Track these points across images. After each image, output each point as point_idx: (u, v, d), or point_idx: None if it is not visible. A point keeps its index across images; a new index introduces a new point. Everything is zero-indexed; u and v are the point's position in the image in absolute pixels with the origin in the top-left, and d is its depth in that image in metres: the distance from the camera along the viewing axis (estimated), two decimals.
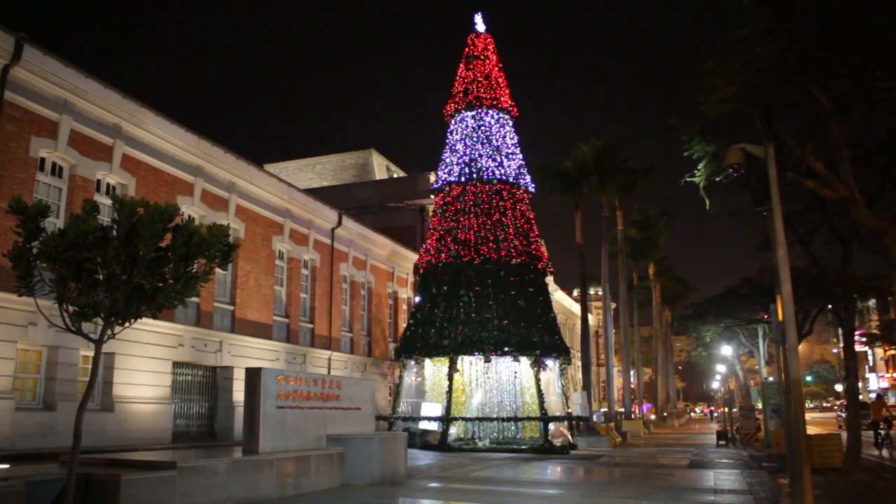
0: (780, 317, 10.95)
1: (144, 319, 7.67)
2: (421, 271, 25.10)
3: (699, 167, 14.46)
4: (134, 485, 7.98)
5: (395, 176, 43.98)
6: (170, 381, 17.97)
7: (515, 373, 23.59)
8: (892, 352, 66.47)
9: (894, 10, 10.58)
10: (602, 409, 44.14)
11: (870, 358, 71.25)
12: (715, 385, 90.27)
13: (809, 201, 15.76)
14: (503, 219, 23.98)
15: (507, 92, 26.23)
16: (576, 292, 62.39)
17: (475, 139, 25.10)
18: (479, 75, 25.88)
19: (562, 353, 23.62)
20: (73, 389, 15.01)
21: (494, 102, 25.49)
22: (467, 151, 24.98)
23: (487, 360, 22.87)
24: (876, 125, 14.09)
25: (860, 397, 21.79)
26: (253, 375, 10.76)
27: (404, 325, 27.11)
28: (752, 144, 10.90)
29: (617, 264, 42.06)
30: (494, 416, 22.98)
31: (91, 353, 13.14)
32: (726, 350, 51.53)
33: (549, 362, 23.74)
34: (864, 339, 56.66)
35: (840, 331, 20.33)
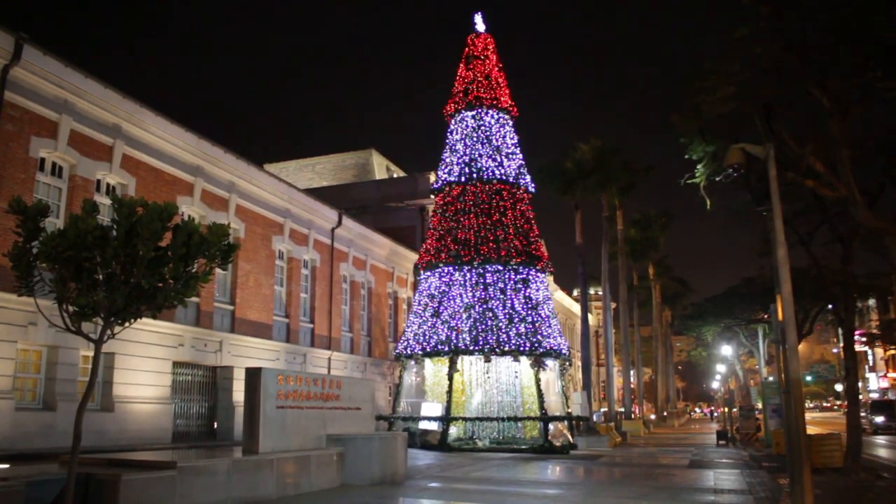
0: (780, 317, 10.95)
1: (144, 319, 7.67)
2: (421, 271, 25.09)
3: (699, 167, 14.46)
4: (134, 485, 7.98)
5: (395, 176, 43.97)
6: (170, 381, 17.97)
7: (515, 373, 23.59)
8: (892, 352, 66.45)
9: (894, 10, 10.59)
10: (602, 409, 44.15)
11: (870, 358, 71.22)
12: (715, 385, 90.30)
13: (809, 201, 15.76)
14: (503, 219, 23.97)
15: (507, 92, 26.23)
16: (576, 292, 62.41)
17: (475, 139, 25.09)
18: (479, 75, 25.87)
19: (562, 353, 23.61)
20: (73, 389, 15.01)
21: (494, 102, 25.48)
22: (467, 151, 24.97)
23: (487, 360, 22.86)
24: (876, 125, 14.09)
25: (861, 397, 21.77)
26: (253, 375, 10.77)
27: (404, 325, 27.10)
28: (752, 144, 10.90)
29: (617, 264, 42.05)
30: (494, 416, 22.97)
31: (91, 353, 13.14)
32: (726, 350, 51.59)
33: (549, 362, 23.73)
34: (864, 339, 56.71)
35: (840, 331, 20.34)
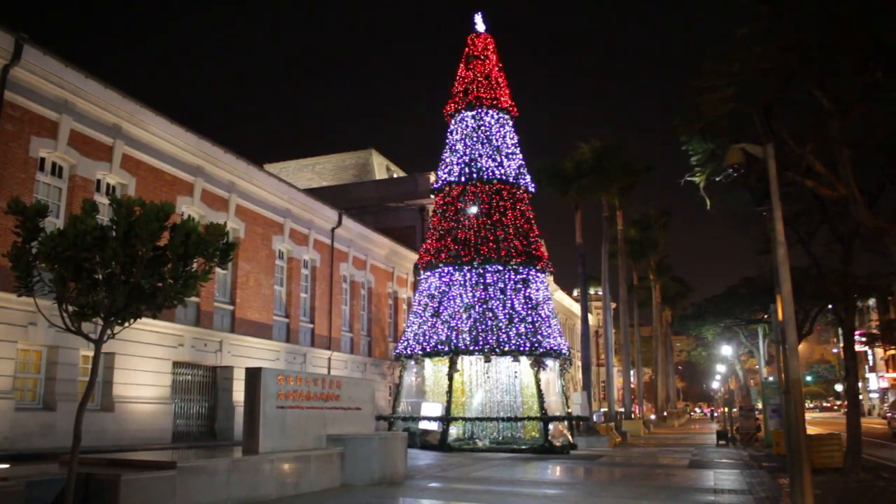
0: (780, 317, 10.95)
1: (144, 319, 7.67)
2: (421, 271, 25.09)
3: (699, 167, 14.46)
4: (134, 485, 7.98)
5: (395, 176, 43.96)
6: (170, 381, 17.97)
7: (515, 373, 23.58)
8: (892, 352, 66.44)
9: (894, 10, 10.59)
10: (602, 409, 44.14)
11: (870, 358, 71.23)
12: (715, 385, 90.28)
13: (809, 201, 15.76)
14: (503, 219, 23.97)
15: (507, 92, 26.23)
16: (576, 292, 62.41)
17: (475, 139, 25.09)
18: (479, 75, 25.87)
19: (562, 353, 23.61)
20: (73, 389, 15.01)
21: (494, 102, 25.48)
22: (467, 151, 24.97)
23: (487, 360, 22.86)
24: (876, 125, 14.09)
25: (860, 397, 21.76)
26: (253, 375, 10.76)
27: (404, 325, 27.10)
28: (752, 144, 10.90)
29: (617, 264, 42.05)
30: (494, 416, 22.97)
31: (91, 353, 13.14)
32: (726, 350, 51.58)
33: (549, 362, 23.73)
34: (864, 339, 56.68)
35: (840, 331, 20.33)
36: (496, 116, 25.48)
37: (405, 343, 24.08)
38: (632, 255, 48.23)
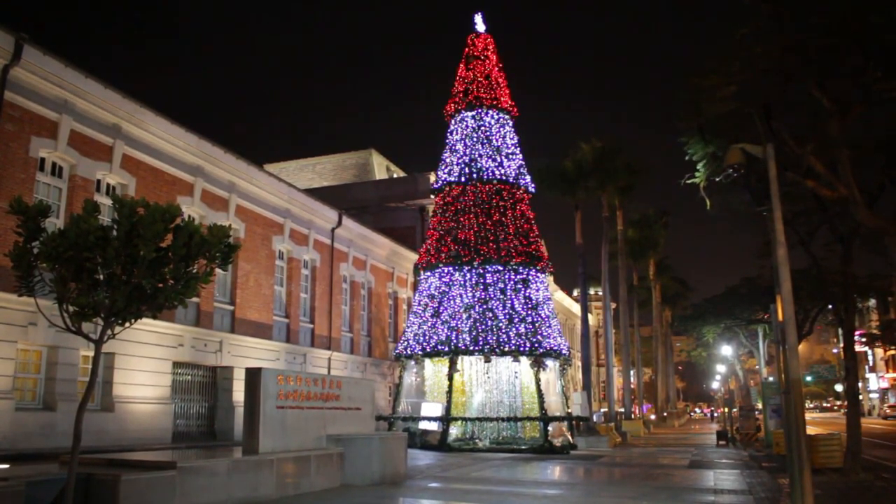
0: (780, 317, 10.94)
1: (144, 319, 7.67)
2: (421, 271, 25.09)
3: (699, 167, 14.45)
4: (134, 485, 7.99)
5: (395, 176, 43.97)
6: (170, 381, 17.97)
7: (515, 373, 23.58)
8: (892, 352, 66.47)
9: (894, 10, 10.59)
10: (602, 410, 44.13)
11: (870, 358, 71.27)
12: (715, 385, 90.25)
13: (809, 202, 15.75)
14: (503, 219, 23.97)
15: (507, 92, 26.23)
16: (576, 292, 62.41)
17: (475, 139, 25.09)
18: (479, 75, 25.87)
19: (562, 353, 23.61)
20: (73, 389, 15.01)
21: (494, 102, 25.49)
22: (467, 151, 24.97)
23: (487, 360, 22.86)
24: (876, 125, 14.10)
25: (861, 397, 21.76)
26: (253, 375, 10.77)
27: (404, 326, 27.10)
28: (752, 144, 10.89)
29: (617, 264, 42.05)
30: (494, 416, 22.97)
31: (91, 353, 13.14)
32: (726, 350, 51.57)
33: (549, 362, 23.73)
34: (864, 339, 56.69)
35: (840, 331, 20.33)
36: (496, 116, 25.48)
37: (405, 343, 24.08)
38: (632, 256, 48.23)
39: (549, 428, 22.12)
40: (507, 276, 23.30)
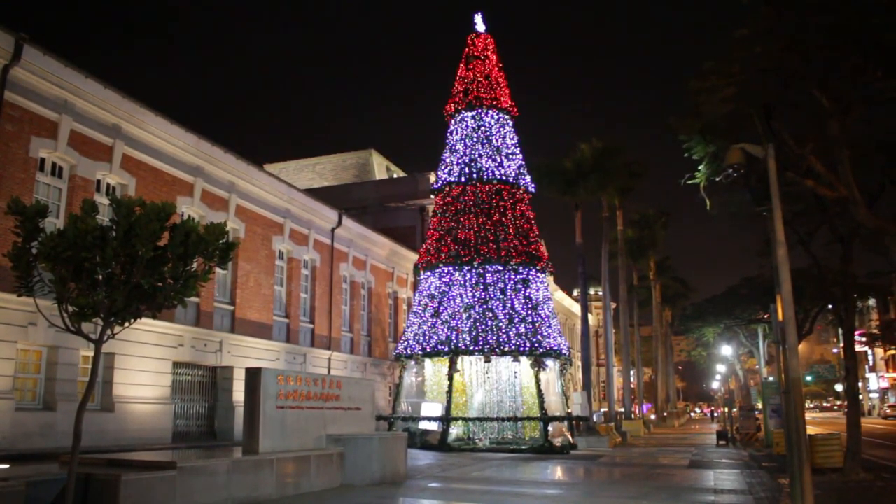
0: (780, 317, 10.95)
1: (144, 319, 7.67)
2: (421, 271, 25.10)
3: (700, 168, 14.44)
4: (134, 485, 7.99)
5: (395, 176, 43.96)
6: (170, 381, 17.97)
7: (515, 373, 23.58)
8: (892, 352, 66.46)
9: (894, 11, 10.59)
10: (602, 409, 44.12)
11: (870, 358, 71.26)
12: (715, 385, 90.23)
13: (809, 201, 15.74)
14: (503, 219, 23.97)
15: (507, 92, 26.23)
16: (576, 292, 62.38)
17: (475, 139, 25.09)
18: (479, 75, 25.88)
19: (562, 353, 23.61)
20: (73, 389, 15.01)
21: (494, 102, 25.49)
22: (467, 151, 24.98)
23: (487, 360, 22.87)
24: (876, 125, 14.08)
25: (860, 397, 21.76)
26: (253, 375, 10.77)
27: (404, 325, 27.10)
28: (752, 144, 10.89)
29: (617, 264, 42.04)
30: (494, 416, 22.98)
31: (91, 353, 13.14)
32: (726, 350, 51.55)
33: (549, 362, 23.74)
34: (864, 339, 56.69)
35: (840, 331, 20.33)
36: (496, 116, 25.48)
37: (405, 343, 24.08)
38: (632, 255, 48.22)
39: (549, 428, 22.12)
40: (507, 276, 23.30)
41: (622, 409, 40.33)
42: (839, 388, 77.62)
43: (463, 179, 24.58)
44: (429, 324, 23.37)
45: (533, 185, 25.81)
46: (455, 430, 22.80)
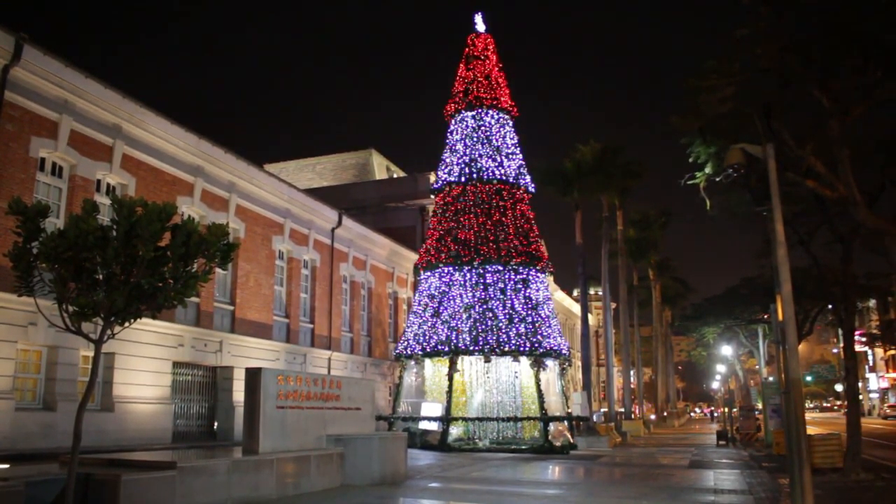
0: (780, 317, 10.94)
1: (144, 319, 7.67)
2: (421, 271, 25.10)
3: (702, 170, 14.44)
4: (134, 485, 7.99)
5: (395, 176, 43.97)
6: (170, 381, 17.97)
7: (515, 373, 23.58)
8: (893, 352, 66.47)
9: (893, 12, 10.59)
10: (602, 409, 44.12)
11: (870, 358, 71.26)
12: (715, 385, 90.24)
13: (810, 202, 15.75)
14: (503, 219, 23.97)
15: (507, 92, 26.23)
16: (576, 292, 62.39)
17: (475, 139, 25.09)
18: (479, 75, 25.87)
19: (562, 353, 23.61)
20: (73, 389, 15.01)
21: (494, 102, 25.48)
22: (467, 151, 24.97)
23: (487, 360, 22.86)
24: (876, 125, 14.10)
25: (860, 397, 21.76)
26: (253, 375, 10.77)
27: (404, 326, 27.10)
28: (752, 144, 10.89)
29: (617, 264, 42.05)
30: (494, 416, 22.98)
31: (91, 353, 13.14)
32: (726, 350, 51.54)
33: (549, 362, 23.73)
34: (864, 339, 56.70)
35: (840, 331, 20.33)
36: (496, 116, 25.48)
37: (405, 343, 24.08)
38: (632, 255, 48.21)
39: (549, 428, 22.12)
40: (507, 276, 23.30)
41: (622, 409, 40.33)
42: (839, 388, 77.62)
43: (463, 179, 24.57)
44: (429, 324, 23.36)
45: (533, 185, 25.81)
46: (455, 430, 22.80)
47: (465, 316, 22.75)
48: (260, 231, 22.46)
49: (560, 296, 57.79)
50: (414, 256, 29.79)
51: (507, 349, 22.15)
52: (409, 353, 23.63)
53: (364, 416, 13.35)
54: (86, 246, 6.91)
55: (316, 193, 29.87)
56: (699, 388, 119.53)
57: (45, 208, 7.20)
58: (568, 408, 24.55)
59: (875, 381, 70.99)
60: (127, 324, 7.41)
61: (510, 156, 25.09)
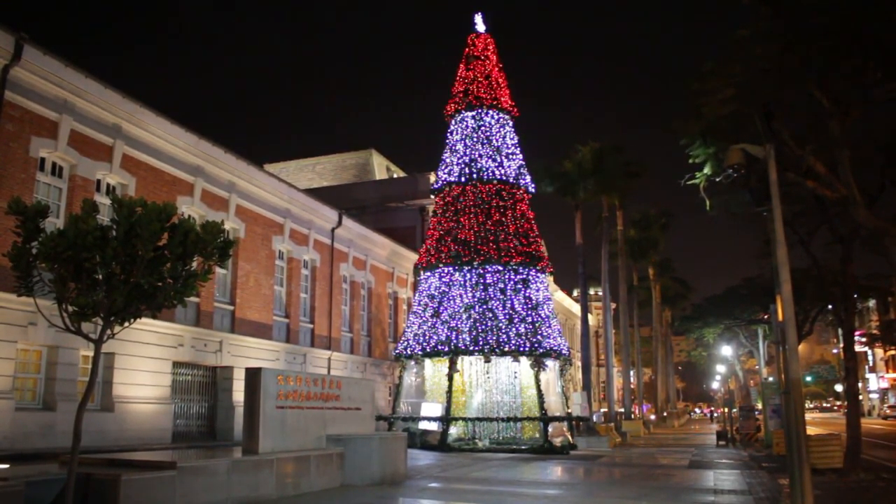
0: (780, 317, 10.94)
1: (144, 319, 7.68)
2: (421, 271, 25.10)
3: (702, 170, 14.44)
4: (134, 485, 7.99)
5: (395, 176, 43.96)
6: (170, 381, 17.97)
7: (515, 373, 23.58)
8: (892, 352, 66.49)
9: (893, 12, 10.60)
10: (602, 410, 44.12)
11: (870, 358, 71.28)
12: (715, 385, 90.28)
13: (809, 202, 15.76)
14: (503, 219, 23.97)
15: (508, 92, 26.23)
16: (576, 292, 62.38)
17: (475, 139, 25.10)
18: (479, 75, 25.88)
19: (562, 353, 23.61)
20: (73, 389, 15.01)
21: (494, 102, 25.49)
22: (467, 152, 24.98)
23: (487, 360, 22.87)
24: (876, 126, 14.10)
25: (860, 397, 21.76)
26: (253, 375, 10.77)
27: (404, 326, 27.10)
28: (752, 145, 10.89)
29: (617, 264, 42.06)
30: (494, 416, 22.98)
31: (91, 353, 13.14)
32: (726, 350, 51.58)
33: (549, 362, 23.74)
34: (864, 340, 56.71)
35: (840, 331, 20.34)
36: (496, 117, 25.49)
37: (405, 343, 24.08)
38: (632, 256, 48.22)
39: (549, 428, 22.12)
40: (507, 277, 23.31)
41: (622, 410, 40.34)
42: (839, 388, 77.61)
43: (463, 179, 24.58)
44: (429, 324, 23.37)
45: (533, 186, 25.82)
46: (455, 430, 22.81)
47: (465, 316, 22.76)
48: (260, 231, 22.45)
49: (560, 296, 57.79)
50: (414, 256, 29.79)
51: (506, 349, 22.15)
52: (409, 353, 23.63)
53: (364, 416, 13.35)
54: (85, 246, 6.90)
55: (316, 193, 29.87)
56: (699, 389, 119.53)
57: (44, 208, 7.20)
58: (568, 408, 24.56)
59: (875, 382, 71.01)
60: (127, 324, 7.41)
61: (510, 156, 25.10)
